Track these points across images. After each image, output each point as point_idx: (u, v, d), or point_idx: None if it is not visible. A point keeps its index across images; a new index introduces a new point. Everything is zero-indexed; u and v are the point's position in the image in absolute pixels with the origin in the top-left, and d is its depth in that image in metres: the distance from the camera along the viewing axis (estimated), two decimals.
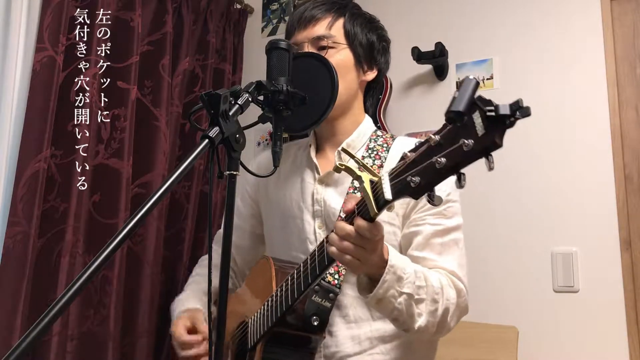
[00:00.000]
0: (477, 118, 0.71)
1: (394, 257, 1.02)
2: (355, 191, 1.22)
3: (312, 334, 1.15)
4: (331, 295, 1.16)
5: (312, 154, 1.33)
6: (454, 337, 1.27)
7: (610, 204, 2.01)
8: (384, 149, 1.28)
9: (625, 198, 2.00)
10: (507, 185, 2.12)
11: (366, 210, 0.89)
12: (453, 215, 1.21)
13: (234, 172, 0.87)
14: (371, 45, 1.32)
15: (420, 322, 1.06)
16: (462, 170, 0.76)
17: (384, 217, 0.95)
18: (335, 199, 1.26)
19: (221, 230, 1.51)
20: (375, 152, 1.27)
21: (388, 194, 0.84)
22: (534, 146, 2.11)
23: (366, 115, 1.36)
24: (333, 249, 0.95)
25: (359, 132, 1.31)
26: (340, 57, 1.26)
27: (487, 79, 2.28)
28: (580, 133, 2.07)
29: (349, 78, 1.27)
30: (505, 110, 0.69)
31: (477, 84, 0.72)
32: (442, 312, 1.09)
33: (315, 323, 1.13)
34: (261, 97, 1.00)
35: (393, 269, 1.01)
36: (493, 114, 0.69)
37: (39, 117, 1.73)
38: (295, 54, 1.12)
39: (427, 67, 2.39)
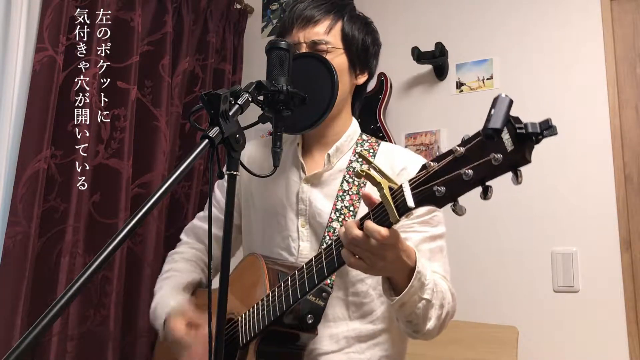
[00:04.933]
0: (505, 134, 0.74)
1: (421, 264, 1.04)
2: (345, 194, 1.24)
3: (305, 331, 1.17)
4: (324, 294, 1.18)
5: (299, 153, 1.33)
6: (454, 337, 1.28)
7: (610, 204, 2.01)
8: (371, 154, 1.30)
9: (625, 198, 2.00)
10: (507, 186, 2.12)
11: (385, 216, 0.90)
12: (438, 223, 1.24)
13: (234, 172, 0.87)
14: (366, 49, 1.33)
15: (429, 325, 1.09)
16: (488, 183, 0.78)
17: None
18: (321, 200, 1.27)
19: (192, 222, 1.52)
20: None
21: (410, 201, 0.86)
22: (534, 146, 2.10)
23: (353, 118, 1.38)
24: (344, 251, 0.97)
25: (347, 136, 1.33)
26: (336, 62, 1.27)
27: (487, 79, 2.28)
28: (580, 133, 2.07)
29: (342, 82, 1.28)
30: (534, 129, 0.72)
31: (511, 102, 0.74)
32: (445, 316, 1.13)
33: (310, 321, 1.15)
34: (261, 97, 1.00)
35: (419, 275, 1.02)
36: (523, 131, 0.73)
37: (39, 117, 1.73)
38: (295, 54, 1.13)
39: (427, 67, 2.39)
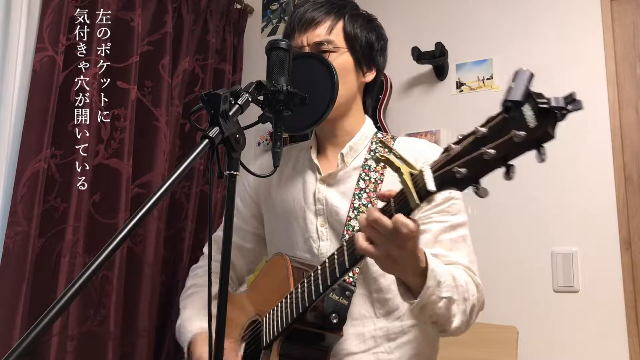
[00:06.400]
0: (527, 110, 0.71)
1: (432, 261, 1.02)
2: (362, 192, 1.23)
3: (330, 331, 1.15)
4: (347, 292, 1.16)
5: (313, 155, 1.34)
6: (454, 337, 1.27)
7: (610, 204, 2.01)
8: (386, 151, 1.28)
9: (625, 198, 2.00)
10: (507, 186, 2.11)
11: (406, 202, 0.88)
12: (457, 212, 1.22)
13: (234, 172, 0.87)
14: (371, 46, 1.33)
15: (456, 322, 1.07)
16: (511, 162, 0.75)
17: None
18: (338, 198, 1.27)
19: (215, 234, 1.49)
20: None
21: (431, 185, 0.83)
22: None
23: (367, 117, 1.37)
24: (359, 234, 0.94)
25: (362, 134, 1.32)
26: (340, 61, 1.27)
27: (487, 79, 2.28)
28: (580, 133, 2.07)
29: (348, 81, 1.28)
30: (558, 103, 0.69)
31: (532, 75, 0.72)
32: (470, 310, 1.11)
33: (335, 320, 1.13)
34: (261, 97, 1.00)
35: (434, 273, 1.00)
36: (546, 105, 0.69)
37: (39, 117, 1.73)
38: (295, 54, 1.13)
39: (427, 67, 2.39)
